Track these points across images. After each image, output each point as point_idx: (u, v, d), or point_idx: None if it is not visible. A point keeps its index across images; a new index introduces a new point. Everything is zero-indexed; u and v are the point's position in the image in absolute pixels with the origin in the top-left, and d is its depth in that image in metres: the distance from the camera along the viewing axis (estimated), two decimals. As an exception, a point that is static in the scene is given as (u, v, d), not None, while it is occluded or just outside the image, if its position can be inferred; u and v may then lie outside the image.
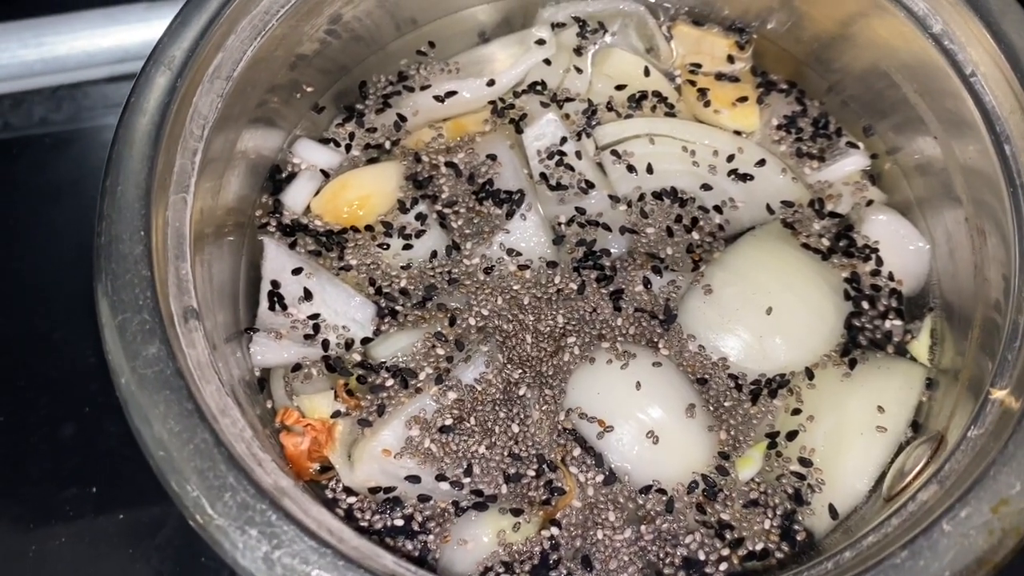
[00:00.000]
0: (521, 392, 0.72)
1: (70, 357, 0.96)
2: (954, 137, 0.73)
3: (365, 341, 0.75)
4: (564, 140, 0.81)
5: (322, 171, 0.82)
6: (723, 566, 0.67)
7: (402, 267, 0.78)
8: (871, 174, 0.83)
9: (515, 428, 0.70)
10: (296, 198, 0.80)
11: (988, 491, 0.54)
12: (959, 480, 0.57)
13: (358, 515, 0.68)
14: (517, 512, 0.68)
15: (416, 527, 0.68)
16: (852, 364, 0.73)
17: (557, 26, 0.87)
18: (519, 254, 0.77)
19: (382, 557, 0.55)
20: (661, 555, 0.67)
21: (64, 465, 0.91)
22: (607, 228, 0.79)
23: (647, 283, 0.76)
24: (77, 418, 0.93)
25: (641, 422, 0.69)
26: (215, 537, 0.53)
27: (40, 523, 0.88)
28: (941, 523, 0.53)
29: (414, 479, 0.68)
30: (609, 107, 0.85)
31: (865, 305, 0.77)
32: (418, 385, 0.72)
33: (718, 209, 0.80)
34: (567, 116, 0.84)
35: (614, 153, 0.82)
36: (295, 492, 0.57)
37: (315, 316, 0.74)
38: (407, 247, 0.78)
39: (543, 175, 0.81)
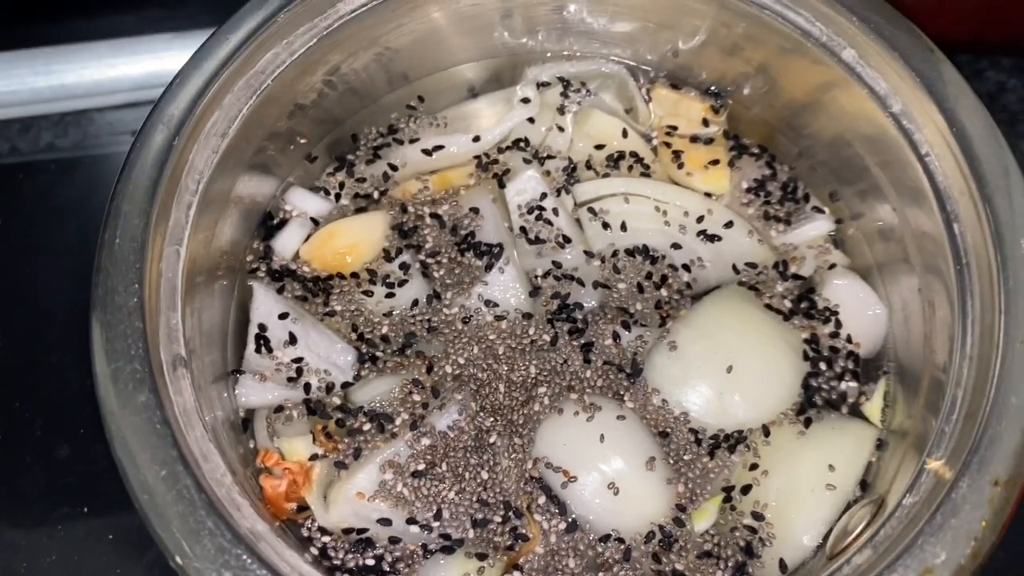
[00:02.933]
0: (492, 440, 0.75)
1: (67, 379, 1.00)
2: (909, 208, 0.77)
3: (345, 385, 0.78)
4: (544, 196, 0.85)
5: (312, 219, 0.86)
6: (675, 614, 0.71)
7: (384, 314, 0.82)
8: (835, 238, 0.87)
9: (484, 475, 0.74)
10: (286, 244, 0.84)
11: (915, 559, 0.58)
12: (892, 546, 0.60)
13: (332, 554, 0.72)
14: (482, 556, 0.71)
15: (386, 567, 0.72)
16: (807, 423, 0.77)
17: (542, 85, 0.91)
18: (496, 305, 0.81)
19: (349, 602, 0.59)
20: (617, 602, 0.71)
21: (57, 485, 0.94)
22: (581, 283, 0.83)
23: (616, 337, 0.80)
24: (71, 440, 0.96)
25: (603, 473, 0.73)
26: (193, 578, 0.57)
27: (32, 540, 0.91)
28: (870, 588, 0.57)
29: (385, 522, 0.72)
30: (588, 165, 0.89)
31: (823, 366, 0.80)
32: (394, 430, 0.75)
33: (687, 267, 0.84)
34: (548, 173, 0.88)
35: (591, 210, 0.86)
36: (270, 537, 0.61)
37: (299, 360, 0.78)
38: (390, 295, 0.82)
39: (523, 229, 0.84)
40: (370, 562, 0.72)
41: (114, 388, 0.62)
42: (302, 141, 0.86)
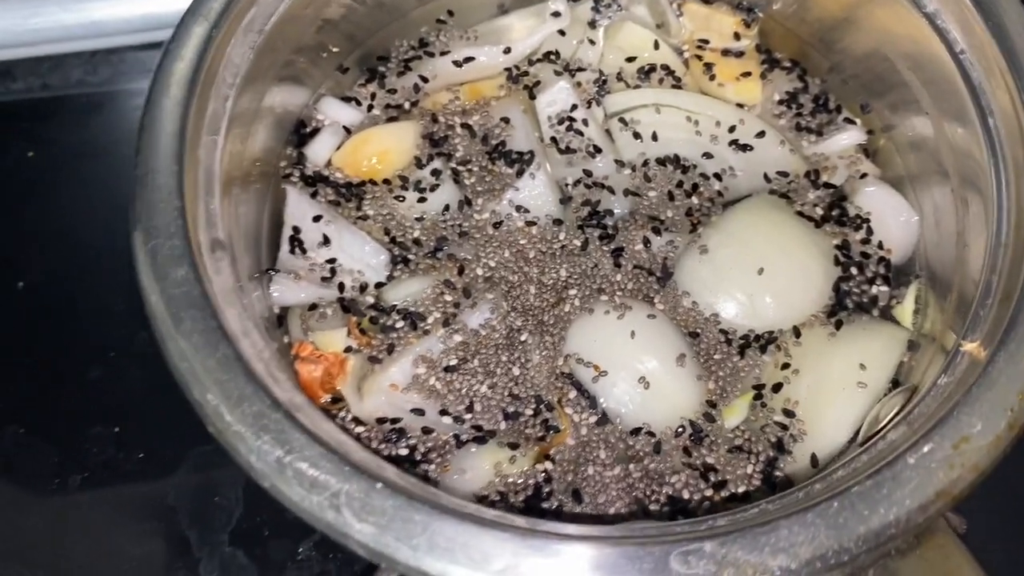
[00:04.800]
0: (523, 338, 0.76)
1: (99, 304, 1.01)
2: (943, 110, 0.77)
3: (379, 285, 0.79)
4: (574, 107, 0.85)
5: (344, 127, 0.87)
6: (705, 505, 0.71)
7: (416, 219, 0.82)
8: (866, 149, 0.87)
9: (516, 371, 0.75)
10: (319, 151, 0.85)
11: (951, 429, 0.58)
12: (926, 421, 0.60)
13: (366, 444, 0.72)
14: (514, 446, 0.72)
15: (419, 457, 0.72)
16: (838, 325, 0.77)
17: (573, 0, 0.91)
18: (527, 211, 0.82)
19: (385, 469, 0.59)
20: (648, 492, 0.71)
21: (90, 405, 0.95)
22: (611, 191, 0.83)
23: (647, 242, 0.80)
24: (103, 362, 0.97)
25: (634, 368, 0.73)
26: (232, 442, 0.57)
27: (65, 458, 0.93)
28: (905, 457, 0.57)
29: (419, 412, 0.73)
30: (619, 77, 0.89)
31: (854, 271, 0.80)
32: (426, 328, 0.76)
33: (718, 176, 0.84)
34: (579, 84, 0.88)
35: (621, 121, 0.86)
36: (308, 408, 0.61)
37: (332, 260, 0.79)
38: (421, 200, 0.82)
39: (553, 139, 0.85)
40: (403, 451, 0.72)
41: (152, 264, 0.62)
42: (334, 50, 0.87)
